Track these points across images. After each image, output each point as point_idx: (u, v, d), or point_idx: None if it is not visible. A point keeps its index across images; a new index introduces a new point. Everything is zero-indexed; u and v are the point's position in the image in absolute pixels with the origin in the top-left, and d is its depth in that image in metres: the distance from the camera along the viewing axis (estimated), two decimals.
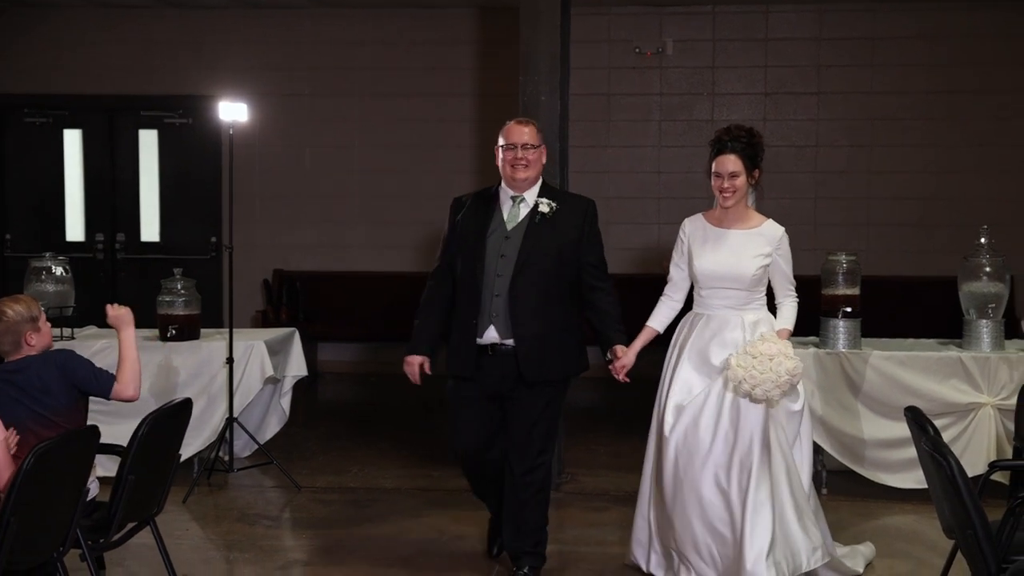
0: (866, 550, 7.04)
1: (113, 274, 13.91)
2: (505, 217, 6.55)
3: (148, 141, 13.89)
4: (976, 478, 6.02)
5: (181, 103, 13.75)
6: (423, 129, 13.57)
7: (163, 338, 8.88)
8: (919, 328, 9.83)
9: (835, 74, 13.21)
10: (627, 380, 6.48)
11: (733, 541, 6.20)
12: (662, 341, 6.69)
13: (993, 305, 8.53)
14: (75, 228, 14.02)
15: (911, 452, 7.97)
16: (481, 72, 13.48)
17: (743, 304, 6.47)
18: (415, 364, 6.64)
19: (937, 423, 5.67)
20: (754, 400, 6.18)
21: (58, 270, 8.96)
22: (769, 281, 6.58)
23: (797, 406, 6.44)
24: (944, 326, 10.09)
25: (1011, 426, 7.92)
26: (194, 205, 13.84)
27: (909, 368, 8.43)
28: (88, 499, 5.52)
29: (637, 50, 13.36)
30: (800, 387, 6.44)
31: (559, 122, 8.70)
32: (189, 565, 6.95)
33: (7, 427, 5.32)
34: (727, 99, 13.32)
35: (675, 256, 6.66)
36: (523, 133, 6.54)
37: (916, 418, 5.53)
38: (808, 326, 8.79)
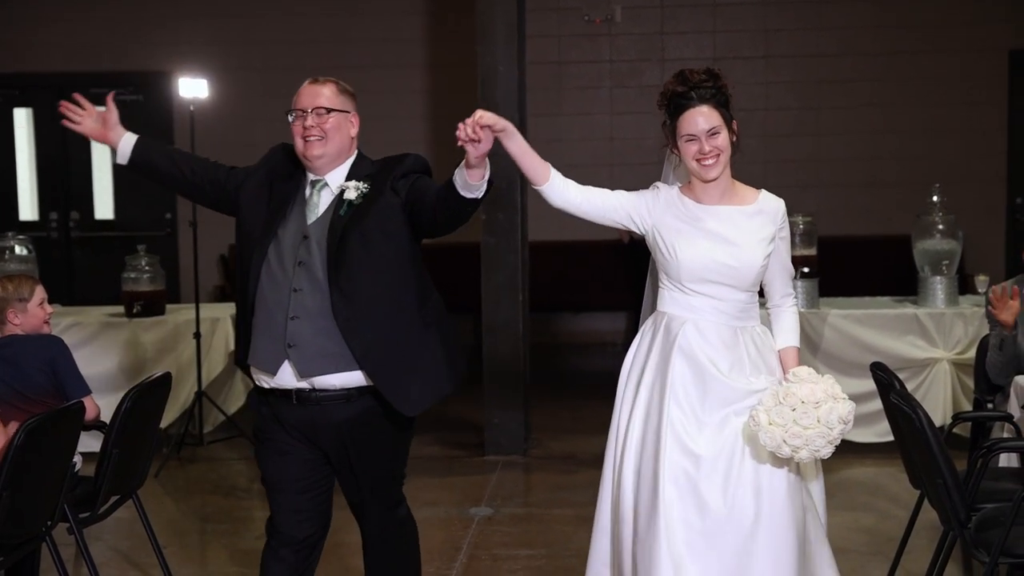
0: None
1: (68, 253, 13.85)
2: (306, 209, 4.76)
3: None
4: (939, 429, 6.18)
5: (131, 80, 13.67)
6: (374, 101, 13.50)
7: (129, 315, 8.93)
8: (873, 286, 10.01)
9: (783, 37, 13.33)
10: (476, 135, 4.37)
11: None
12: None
13: (947, 262, 8.71)
14: (28, 207, 13.97)
15: (870, 407, 8.19)
16: (432, 43, 13.50)
17: (739, 312, 4.58)
18: None
19: None
20: (795, 461, 4.45)
21: (20, 250, 8.99)
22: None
23: None
24: (898, 284, 10.24)
25: (967, 380, 8.12)
26: (147, 182, 13.73)
27: (866, 326, 8.60)
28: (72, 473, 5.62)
29: (586, 18, 13.42)
30: None
31: (518, 93, 8.77)
32: (166, 537, 7.04)
33: None
34: (676, 64, 13.13)
35: (633, 195, 4.76)
36: (318, 94, 4.80)
37: (884, 373, 5.69)
38: None
